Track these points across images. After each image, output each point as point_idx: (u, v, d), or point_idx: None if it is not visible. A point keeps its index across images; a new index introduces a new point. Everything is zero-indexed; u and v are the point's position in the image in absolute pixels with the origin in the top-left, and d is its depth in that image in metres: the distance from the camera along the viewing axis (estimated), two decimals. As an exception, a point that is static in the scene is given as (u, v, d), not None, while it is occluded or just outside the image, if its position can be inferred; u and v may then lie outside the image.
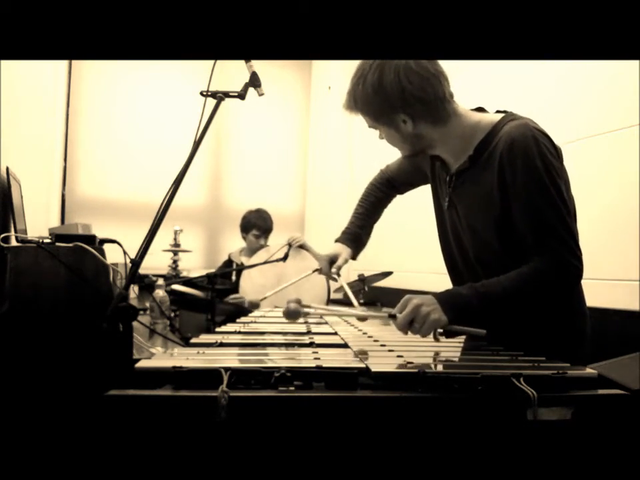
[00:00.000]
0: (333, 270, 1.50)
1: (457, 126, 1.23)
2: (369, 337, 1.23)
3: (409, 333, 1.05)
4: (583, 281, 1.24)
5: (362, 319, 1.37)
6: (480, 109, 1.29)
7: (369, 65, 1.18)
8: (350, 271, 3.28)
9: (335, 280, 1.54)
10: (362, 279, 3.00)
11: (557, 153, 1.18)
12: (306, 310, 1.08)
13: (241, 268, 3.06)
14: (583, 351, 1.26)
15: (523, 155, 1.12)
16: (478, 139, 1.21)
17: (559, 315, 1.23)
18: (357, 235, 1.58)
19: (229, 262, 3.41)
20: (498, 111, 1.27)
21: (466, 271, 1.32)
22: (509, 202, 1.15)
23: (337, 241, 1.58)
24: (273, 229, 3.35)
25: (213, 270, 3.06)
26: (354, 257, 1.58)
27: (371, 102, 1.18)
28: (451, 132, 1.23)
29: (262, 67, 1.44)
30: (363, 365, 0.88)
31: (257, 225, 3.28)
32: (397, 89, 1.14)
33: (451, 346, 1.17)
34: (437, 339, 1.09)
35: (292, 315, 1.08)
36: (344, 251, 1.54)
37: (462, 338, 1.27)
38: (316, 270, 1.59)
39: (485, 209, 1.20)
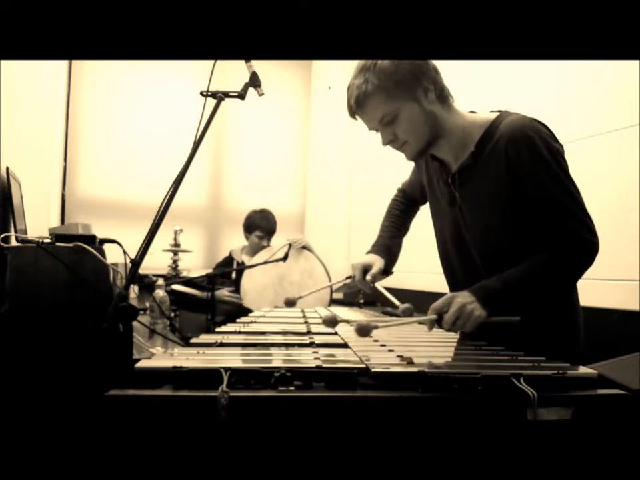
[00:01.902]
0: (368, 278, 1.47)
1: (457, 120, 1.26)
2: (369, 336, 1.23)
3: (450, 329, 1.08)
4: (583, 281, 1.25)
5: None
6: (471, 112, 1.32)
7: None
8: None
9: (368, 290, 1.52)
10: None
11: (556, 139, 1.21)
12: (374, 324, 1.06)
13: (241, 268, 3.06)
14: (579, 348, 1.29)
15: (528, 145, 1.15)
16: (477, 135, 1.24)
17: (558, 311, 1.26)
18: (387, 247, 1.57)
19: (229, 259, 3.41)
20: (492, 111, 1.29)
21: (462, 272, 1.34)
22: (518, 192, 1.17)
23: (368, 252, 1.57)
24: (276, 231, 3.34)
25: (212, 270, 3.06)
26: (386, 270, 1.54)
27: (396, 69, 1.16)
28: (454, 123, 1.26)
29: (262, 67, 1.44)
30: (362, 365, 0.88)
31: (260, 226, 3.27)
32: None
33: (451, 346, 1.17)
34: (430, 329, 1.12)
35: (364, 331, 1.05)
36: (377, 260, 1.52)
37: (456, 336, 1.27)
38: (349, 277, 1.57)
39: (493, 202, 1.22)
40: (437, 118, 1.23)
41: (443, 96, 1.23)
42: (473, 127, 1.25)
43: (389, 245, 1.58)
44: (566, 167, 1.18)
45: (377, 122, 1.23)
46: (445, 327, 1.08)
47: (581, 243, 1.15)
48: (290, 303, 1.39)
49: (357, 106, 1.22)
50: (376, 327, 1.04)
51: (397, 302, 1.44)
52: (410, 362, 0.92)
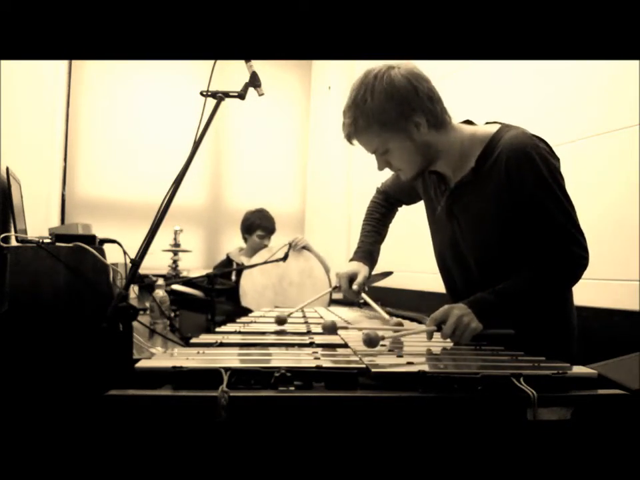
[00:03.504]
0: (355, 287, 1.47)
1: (455, 137, 1.26)
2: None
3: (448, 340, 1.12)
4: (583, 281, 1.25)
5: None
6: (468, 122, 1.32)
7: (366, 81, 1.18)
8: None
9: (355, 300, 1.52)
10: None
11: (554, 154, 1.22)
12: (381, 335, 1.06)
13: (241, 268, 3.05)
14: (573, 347, 1.31)
15: (528, 162, 1.16)
16: (477, 150, 1.24)
17: (553, 312, 1.28)
18: (370, 252, 1.57)
19: (227, 261, 3.40)
20: (487, 123, 1.30)
21: (461, 281, 1.36)
22: (518, 208, 1.19)
23: (352, 260, 1.57)
24: (276, 229, 3.34)
25: (212, 270, 3.05)
26: (368, 276, 1.54)
27: (385, 109, 1.17)
28: (451, 142, 1.26)
29: (262, 66, 1.44)
30: (362, 365, 0.88)
31: (261, 225, 3.25)
32: (411, 88, 1.17)
33: (451, 346, 1.17)
34: (430, 339, 1.15)
35: (373, 342, 1.05)
36: (362, 268, 1.52)
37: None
38: (335, 287, 1.56)
39: (491, 217, 1.23)
40: (430, 145, 1.24)
41: (437, 122, 1.22)
42: (473, 141, 1.25)
43: (372, 250, 1.58)
44: (562, 184, 1.20)
45: (370, 152, 1.27)
46: (443, 338, 1.12)
47: (571, 258, 1.18)
48: (281, 322, 1.36)
49: (349, 140, 1.26)
50: (383, 338, 1.06)
51: (383, 313, 1.45)
52: (410, 362, 0.92)
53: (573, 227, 1.19)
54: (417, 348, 1.12)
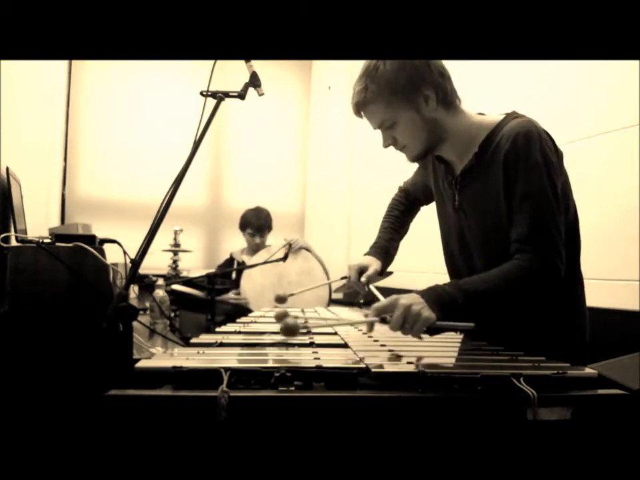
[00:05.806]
0: (363, 279, 1.47)
1: (463, 122, 1.26)
2: (369, 337, 1.23)
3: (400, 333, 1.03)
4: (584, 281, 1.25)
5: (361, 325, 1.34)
6: (480, 114, 1.31)
7: None
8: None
9: (362, 291, 1.52)
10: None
11: (557, 151, 1.20)
12: (302, 323, 1.05)
13: (240, 268, 3.05)
14: (582, 350, 1.27)
15: (525, 149, 1.14)
16: (482, 137, 1.23)
17: (561, 313, 1.25)
18: (385, 249, 1.57)
19: (230, 260, 3.42)
20: (500, 114, 1.28)
21: (467, 273, 1.33)
22: (513, 196, 1.16)
23: (366, 254, 1.57)
24: (268, 227, 3.33)
25: (212, 270, 3.06)
26: (382, 271, 1.54)
27: (397, 77, 1.17)
28: (459, 125, 1.25)
29: (262, 67, 1.44)
30: (362, 365, 0.88)
31: (250, 222, 3.28)
32: (424, 60, 1.18)
33: (451, 346, 1.17)
34: (420, 338, 1.07)
35: (291, 330, 1.03)
36: (374, 262, 1.51)
37: (456, 336, 1.27)
38: (344, 278, 1.57)
39: (492, 206, 1.21)
40: (438, 123, 1.23)
41: (447, 100, 1.22)
42: (480, 129, 1.24)
43: (387, 246, 1.57)
44: (556, 181, 1.14)
45: (377, 125, 1.26)
46: (392, 330, 1.02)
47: (548, 265, 1.10)
48: (280, 300, 1.36)
49: (357, 111, 1.25)
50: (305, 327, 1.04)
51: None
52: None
53: (556, 230, 1.12)
54: (417, 348, 1.12)
